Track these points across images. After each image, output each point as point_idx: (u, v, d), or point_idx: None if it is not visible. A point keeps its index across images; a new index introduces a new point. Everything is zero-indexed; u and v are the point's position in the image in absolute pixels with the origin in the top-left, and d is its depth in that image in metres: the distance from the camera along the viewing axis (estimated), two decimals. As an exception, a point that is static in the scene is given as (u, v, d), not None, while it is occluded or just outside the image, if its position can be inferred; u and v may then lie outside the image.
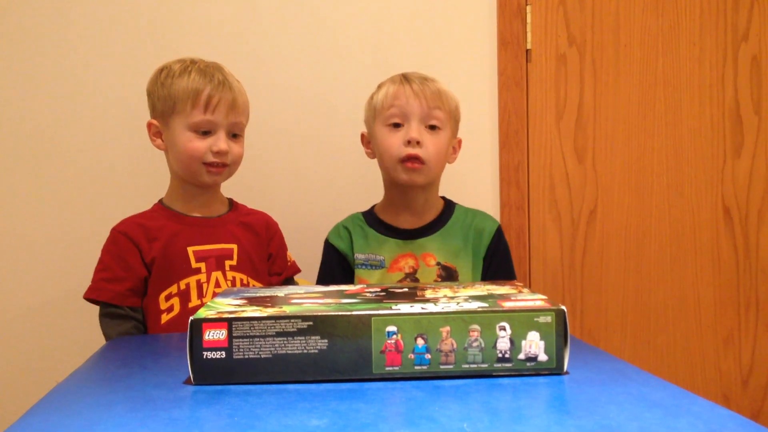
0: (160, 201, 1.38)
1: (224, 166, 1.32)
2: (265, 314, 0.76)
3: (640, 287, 1.82)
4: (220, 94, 1.29)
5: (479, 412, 0.66)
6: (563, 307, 0.77)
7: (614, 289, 1.82)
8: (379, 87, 1.39)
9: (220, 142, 1.30)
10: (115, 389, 0.77)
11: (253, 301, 0.85)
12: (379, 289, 0.94)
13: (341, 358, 0.75)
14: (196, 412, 0.68)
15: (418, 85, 1.34)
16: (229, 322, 0.75)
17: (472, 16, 1.76)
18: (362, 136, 1.43)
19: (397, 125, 1.34)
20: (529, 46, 1.77)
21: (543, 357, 0.76)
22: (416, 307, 0.78)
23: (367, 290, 0.93)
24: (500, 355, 0.76)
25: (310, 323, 0.75)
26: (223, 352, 0.75)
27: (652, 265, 1.82)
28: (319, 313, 0.76)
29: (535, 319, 0.76)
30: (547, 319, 0.76)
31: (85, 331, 1.34)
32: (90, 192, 1.66)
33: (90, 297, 1.29)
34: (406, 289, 0.94)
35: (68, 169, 1.66)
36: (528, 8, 1.76)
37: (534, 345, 0.76)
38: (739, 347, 1.83)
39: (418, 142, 1.31)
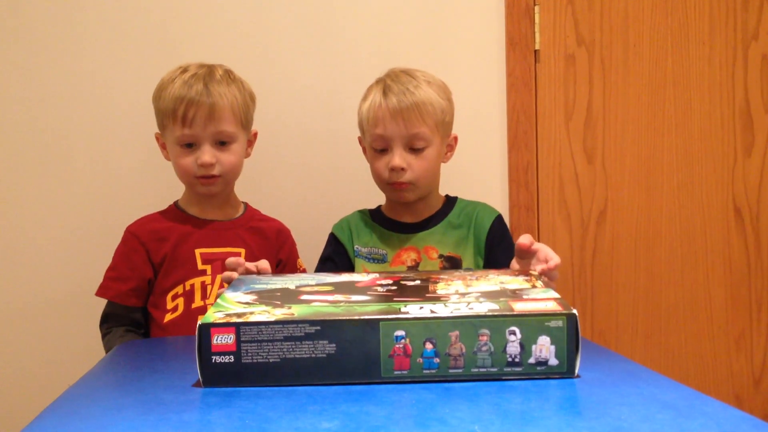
0: (176, 203, 1.40)
1: (214, 177, 1.31)
2: (272, 318, 0.76)
3: (650, 288, 1.81)
4: (196, 106, 1.26)
5: (490, 414, 0.65)
6: (575, 312, 0.76)
7: (625, 289, 1.81)
8: (366, 95, 1.37)
9: (204, 154, 1.28)
10: (126, 392, 0.77)
11: (263, 297, 0.85)
12: (390, 282, 0.94)
13: (349, 361, 0.75)
14: (206, 414, 0.68)
15: (397, 103, 1.29)
16: (237, 327, 0.75)
17: (480, 17, 1.75)
18: (359, 139, 1.43)
19: (382, 150, 1.32)
20: (537, 47, 1.77)
21: (554, 361, 0.76)
22: (425, 310, 0.77)
23: (378, 282, 0.93)
24: (510, 359, 0.76)
25: (318, 328, 0.75)
26: (232, 356, 0.75)
27: (663, 266, 1.81)
28: (327, 318, 0.76)
29: (546, 324, 0.75)
30: (558, 323, 0.75)
31: (97, 333, 1.36)
32: (105, 193, 1.67)
33: (98, 294, 1.33)
34: (418, 282, 0.93)
35: (84, 171, 1.66)
36: (536, 8, 1.76)
37: (545, 349, 0.76)
38: (750, 347, 1.82)
39: (402, 169, 1.30)
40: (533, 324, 0.75)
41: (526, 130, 1.76)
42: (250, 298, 0.85)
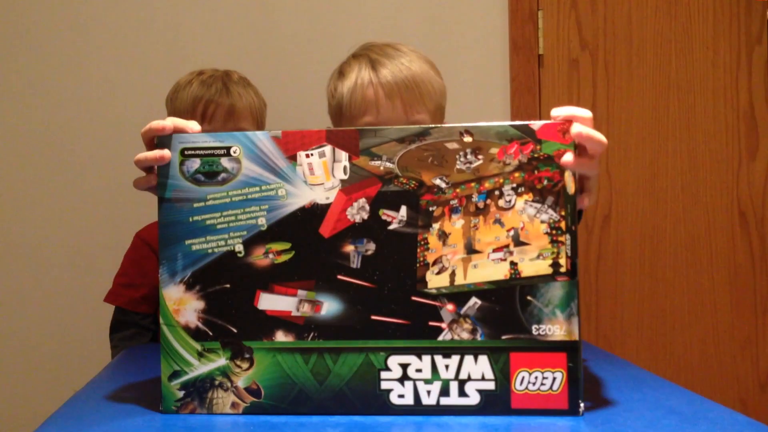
0: None
1: None
2: (239, 411, 0.70)
3: (655, 292, 1.81)
4: (216, 103, 1.27)
5: (495, 420, 0.66)
6: (579, 415, 0.67)
7: (629, 294, 1.81)
8: (341, 74, 1.11)
9: None
10: (132, 397, 0.77)
11: (210, 306, 0.71)
12: (364, 218, 0.70)
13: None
14: (212, 419, 0.68)
15: (392, 78, 1.03)
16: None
17: (483, 22, 1.76)
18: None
19: None
20: (541, 51, 1.77)
21: None
22: (408, 389, 0.68)
23: (350, 220, 0.70)
24: None
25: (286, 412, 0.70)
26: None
27: (668, 270, 1.81)
28: (295, 412, 0.70)
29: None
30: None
31: (103, 338, 1.36)
32: (114, 197, 1.67)
33: (107, 301, 1.32)
34: (403, 219, 0.70)
35: (93, 175, 1.67)
36: (540, 13, 1.76)
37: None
38: (756, 352, 1.82)
39: None
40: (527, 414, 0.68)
41: (530, 134, 1.76)
42: (194, 310, 0.71)
